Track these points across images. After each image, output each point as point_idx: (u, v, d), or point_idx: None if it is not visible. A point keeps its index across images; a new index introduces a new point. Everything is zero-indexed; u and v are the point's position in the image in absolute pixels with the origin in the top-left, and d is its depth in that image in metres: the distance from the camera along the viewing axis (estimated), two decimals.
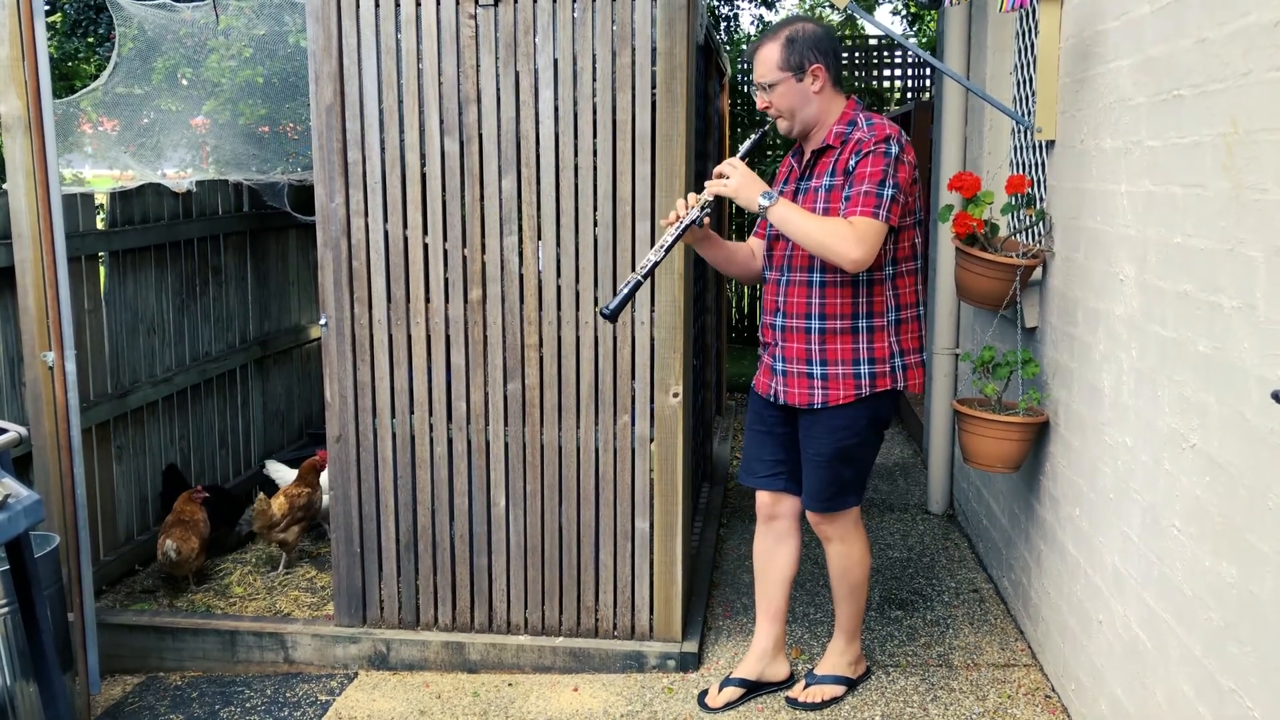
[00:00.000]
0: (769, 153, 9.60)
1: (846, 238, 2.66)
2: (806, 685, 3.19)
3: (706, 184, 2.81)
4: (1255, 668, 1.95)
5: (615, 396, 3.29)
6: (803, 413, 2.97)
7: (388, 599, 3.47)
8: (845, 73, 10.49)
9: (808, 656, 3.46)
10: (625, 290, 2.71)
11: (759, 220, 3.09)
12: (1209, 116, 2.16)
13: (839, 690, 3.18)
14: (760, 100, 2.88)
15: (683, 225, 2.78)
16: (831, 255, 2.69)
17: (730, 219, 7.23)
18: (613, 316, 2.70)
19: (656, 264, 2.76)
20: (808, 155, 2.93)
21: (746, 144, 2.95)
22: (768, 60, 2.83)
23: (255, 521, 3.99)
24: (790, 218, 2.73)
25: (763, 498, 3.18)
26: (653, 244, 3.14)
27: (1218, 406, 2.11)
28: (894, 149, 2.75)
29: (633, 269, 3.21)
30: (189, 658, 3.50)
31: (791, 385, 2.94)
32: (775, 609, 3.22)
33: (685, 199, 2.84)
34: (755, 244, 3.14)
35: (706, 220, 2.86)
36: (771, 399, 3.02)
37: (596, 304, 3.26)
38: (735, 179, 2.77)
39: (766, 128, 3.00)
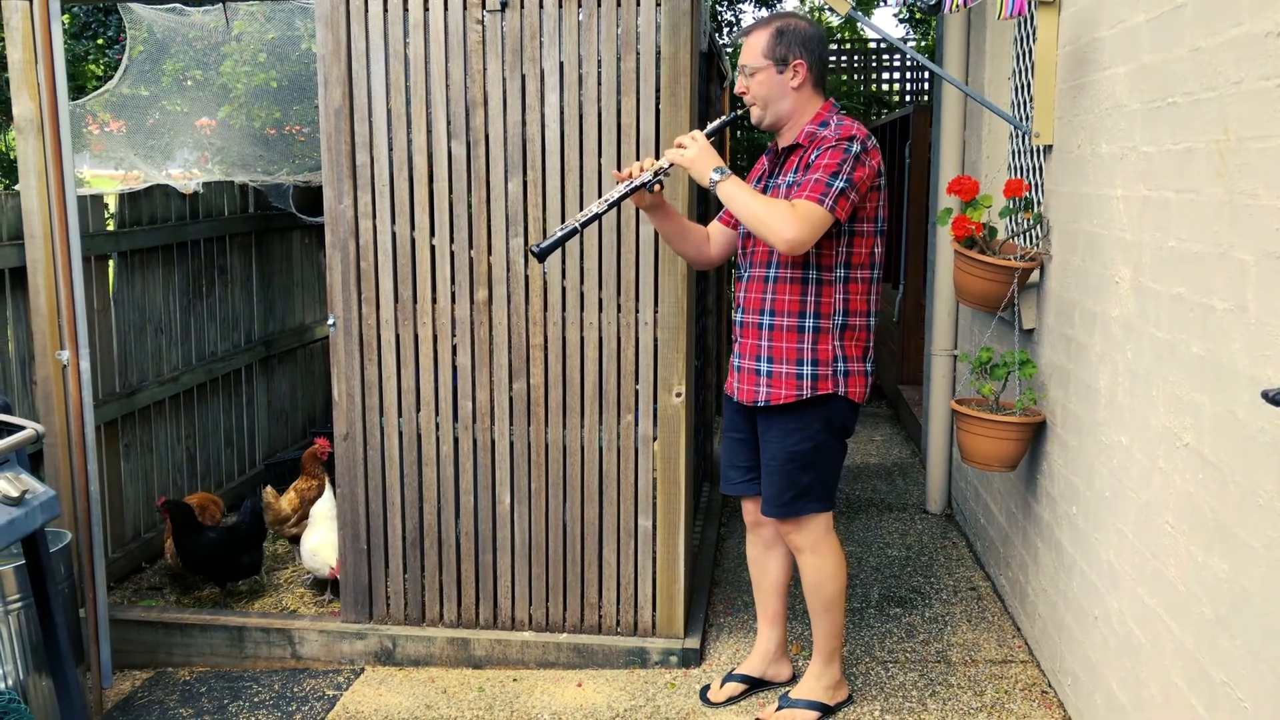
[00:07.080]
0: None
1: (785, 216, 2.62)
2: (779, 708, 3.09)
3: (665, 151, 2.79)
4: (1246, 660, 2.00)
5: (619, 396, 3.34)
6: (758, 414, 2.94)
7: (394, 595, 3.51)
8: (845, 75, 10.55)
9: (808, 653, 3.50)
10: (559, 234, 2.72)
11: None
12: (1202, 124, 2.21)
13: (812, 717, 3.06)
14: (739, 84, 2.87)
15: (632, 184, 2.76)
16: (767, 231, 2.64)
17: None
18: (541, 256, 2.72)
19: (597, 215, 2.76)
20: (779, 153, 2.93)
21: (715, 123, 2.92)
22: (754, 46, 2.84)
23: (265, 516, 4.03)
24: (736, 194, 2.69)
25: (746, 505, 3.18)
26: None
27: (1210, 406, 2.16)
28: (854, 148, 2.71)
29: (636, 270, 3.26)
30: (197, 653, 3.54)
31: (744, 382, 2.93)
32: (773, 614, 3.24)
33: (642, 161, 2.82)
34: (715, 229, 3.10)
35: (659, 188, 2.83)
36: (734, 397, 3.01)
37: (601, 306, 3.30)
38: (693, 150, 2.74)
39: (740, 111, 2.96)
